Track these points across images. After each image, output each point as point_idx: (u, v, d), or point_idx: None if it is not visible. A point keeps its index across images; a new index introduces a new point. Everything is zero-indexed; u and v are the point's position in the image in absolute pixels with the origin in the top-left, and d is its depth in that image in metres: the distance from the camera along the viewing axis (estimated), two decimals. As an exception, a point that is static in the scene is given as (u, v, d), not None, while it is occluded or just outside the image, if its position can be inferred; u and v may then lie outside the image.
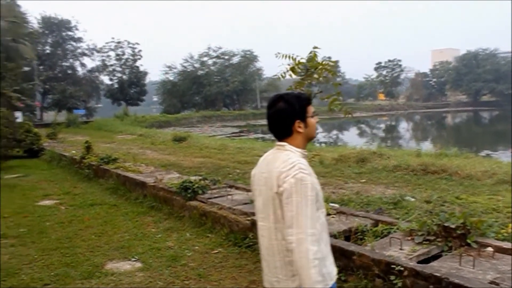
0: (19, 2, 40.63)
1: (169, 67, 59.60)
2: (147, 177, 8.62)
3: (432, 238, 4.29)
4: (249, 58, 61.04)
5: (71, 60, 53.12)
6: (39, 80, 45.23)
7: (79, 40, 51.42)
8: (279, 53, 4.13)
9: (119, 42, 53.74)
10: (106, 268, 4.93)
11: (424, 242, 4.28)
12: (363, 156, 11.45)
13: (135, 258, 5.22)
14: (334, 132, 40.26)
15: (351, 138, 31.50)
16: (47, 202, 8.49)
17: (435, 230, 4.32)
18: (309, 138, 2.22)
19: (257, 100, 61.61)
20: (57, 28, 50.12)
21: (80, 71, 53.40)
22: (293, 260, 1.97)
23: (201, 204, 6.60)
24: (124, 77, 53.95)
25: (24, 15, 43.12)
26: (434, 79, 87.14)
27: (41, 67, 49.58)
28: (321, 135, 33.36)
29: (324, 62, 4.30)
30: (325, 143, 27.61)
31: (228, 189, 7.33)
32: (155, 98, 68.11)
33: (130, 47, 54.12)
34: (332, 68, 4.27)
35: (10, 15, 37.58)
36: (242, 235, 5.58)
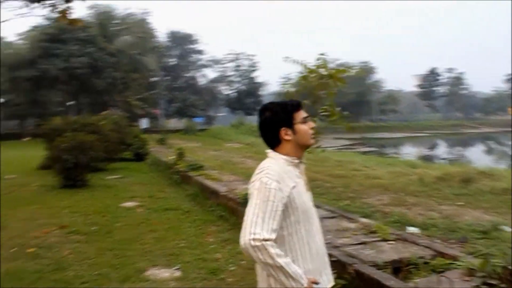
0: (149, 19, 44.08)
1: (285, 77, 60.37)
2: (223, 186, 8.60)
3: (494, 282, 3.54)
4: (366, 70, 59.61)
5: (193, 71, 56.47)
6: (162, 90, 48.66)
7: (200, 52, 54.55)
8: (287, 57, 3.80)
9: (237, 54, 55.93)
10: (145, 274, 4.90)
11: (483, 286, 3.55)
12: (469, 175, 10.27)
13: (178, 266, 5.13)
14: (458, 148, 37.39)
15: (476, 155, 28.90)
16: (129, 204, 8.86)
17: (500, 273, 3.57)
18: (302, 145, 2.13)
19: (374, 112, 59.76)
20: (181, 42, 53.65)
21: (201, 81, 56.48)
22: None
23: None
24: (242, 87, 55.91)
25: (152, 31, 46.79)
26: None
27: (167, 78, 53.46)
28: (443, 151, 31.22)
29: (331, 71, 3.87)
30: (445, 159, 25.73)
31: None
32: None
33: (247, 58, 56.04)
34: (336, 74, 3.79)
35: (139, 31, 41.17)
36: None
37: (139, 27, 42.58)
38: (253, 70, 56.45)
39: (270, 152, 2.12)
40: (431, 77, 76.85)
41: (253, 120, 52.60)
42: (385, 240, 4.71)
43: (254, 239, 1.84)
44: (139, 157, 16.90)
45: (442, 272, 3.92)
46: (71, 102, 33.13)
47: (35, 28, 33.44)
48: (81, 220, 7.38)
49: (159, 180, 12.06)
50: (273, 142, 2.12)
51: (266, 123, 2.12)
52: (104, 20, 37.89)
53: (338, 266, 4.04)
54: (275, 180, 1.94)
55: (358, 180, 10.65)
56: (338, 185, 10.39)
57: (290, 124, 2.08)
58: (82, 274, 4.86)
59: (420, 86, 77.38)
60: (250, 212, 1.92)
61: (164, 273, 4.93)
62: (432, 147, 40.29)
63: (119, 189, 10.61)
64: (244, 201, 6.88)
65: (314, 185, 10.32)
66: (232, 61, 56.30)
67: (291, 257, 1.97)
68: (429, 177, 10.55)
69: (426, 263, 4.11)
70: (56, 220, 7.37)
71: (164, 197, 9.54)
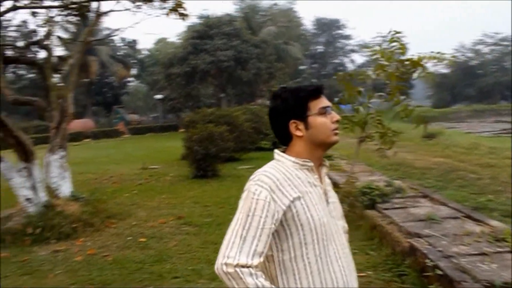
0: (295, 8, 44.36)
1: (438, 58, 55.80)
2: (344, 178, 8.00)
3: None
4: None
5: (341, 57, 55.36)
6: (309, 78, 48.64)
7: (348, 37, 53.16)
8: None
9: (384, 36, 53.22)
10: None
11: None
12: None
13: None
14: None
15: None
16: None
17: None
18: (320, 143, 1.62)
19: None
20: (328, 28, 52.93)
21: (349, 67, 55.12)
22: None
23: (376, 215, 5.68)
24: (390, 70, 53.14)
25: (298, 19, 46.94)
26: None
27: (314, 66, 53.35)
28: None
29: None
30: None
31: (418, 200, 6.10)
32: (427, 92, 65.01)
33: (396, 40, 52.98)
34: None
35: (284, 20, 41.56)
36: (400, 259, 4.50)
37: (284, 16, 43.03)
38: (403, 52, 53.19)
39: (276, 151, 1.67)
40: None
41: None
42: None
43: (226, 264, 1.41)
44: (276, 146, 16.90)
45: None
46: (222, 95, 34.83)
47: (189, 27, 36.00)
48: (198, 211, 7.47)
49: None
50: (284, 138, 1.67)
51: (274, 113, 1.67)
52: (249, 13, 39.06)
53: (443, 282, 3.31)
54: (266, 189, 1.49)
55: (510, 171, 9.12)
56: (484, 176, 9.08)
57: (302, 116, 1.60)
58: (177, 268, 4.81)
59: None
60: (230, 229, 1.49)
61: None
62: None
63: (247, 179, 10.63)
64: (361, 195, 6.27)
65: (456, 176, 9.21)
66: (379, 44, 53.76)
67: None
68: None
69: None
70: (177, 210, 7.59)
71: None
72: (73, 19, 11.97)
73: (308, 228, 1.50)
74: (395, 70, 2.58)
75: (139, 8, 10.25)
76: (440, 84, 54.23)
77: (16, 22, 37.41)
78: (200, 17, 38.63)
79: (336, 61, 55.14)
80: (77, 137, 29.29)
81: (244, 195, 1.53)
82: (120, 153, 19.20)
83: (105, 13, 10.74)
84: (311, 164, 1.59)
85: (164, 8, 7.45)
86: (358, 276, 4.35)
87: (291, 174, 1.55)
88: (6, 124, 6.00)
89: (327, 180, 1.70)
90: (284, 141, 1.67)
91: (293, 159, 1.59)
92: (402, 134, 2.50)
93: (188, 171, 11.31)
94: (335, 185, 7.70)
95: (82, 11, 9.44)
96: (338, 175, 8.37)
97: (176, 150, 16.78)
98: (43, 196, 6.58)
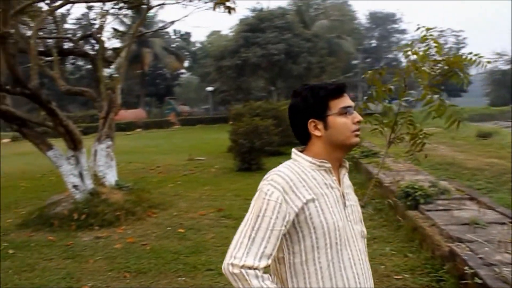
0: (349, 1, 43.62)
1: (498, 54, 53.24)
2: (389, 176, 7.79)
3: None
4: None
5: (395, 52, 53.91)
6: (362, 72, 47.66)
7: (403, 32, 51.74)
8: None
9: (441, 31, 51.35)
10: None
11: None
12: None
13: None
14: None
15: None
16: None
17: None
18: (339, 145, 1.56)
19: None
20: (382, 22, 51.69)
21: (404, 62, 53.64)
22: None
23: (418, 216, 5.48)
24: (446, 67, 51.26)
25: (352, 13, 46.11)
26: None
27: (367, 60, 52.27)
28: None
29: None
30: None
31: (464, 202, 5.83)
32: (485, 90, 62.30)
33: (453, 35, 51.04)
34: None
35: (338, 14, 40.95)
36: (439, 264, 4.32)
37: (338, 10, 42.38)
38: (460, 48, 51.10)
39: (294, 150, 1.62)
40: None
41: (460, 102, 47.78)
42: None
43: (232, 265, 1.39)
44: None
45: None
46: (272, 88, 34.81)
47: (241, 20, 36.16)
48: (239, 204, 7.50)
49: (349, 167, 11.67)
50: (303, 138, 1.61)
51: (293, 111, 1.62)
52: (302, 6, 38.70)
53: (482, 291, 3.14)
54: (279, 189, 1.44)
55: None
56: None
57: (321, 115, 1.54)
58: (212, 261, 4.85)
59: None
60: (239, 230, 1.48)
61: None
62: None
63: None
64: (403, 195, 6.08)
65: (508, 179, 8.78)
66: (435, 38, 51.90)
67: None
68: None
69: None
70: (218, 202, 7.65)
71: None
72: (127, 12, 12.31)
73: (321, 232, 1.45)
74: (429, 69, 2.44)
75: (190, 1, 10.40)
76: (499, 82, 51.78)
77: (75, 15, 38.96)
78: (253, 10, 38.76)
79: (390, 56, 53.76)
80: (129, 126, 30.23)
81: (256, 195, 1.50)
82: (169, 144, 19.61)
83: (157, 6, 10.99)
84: (329, 165, 1.53)
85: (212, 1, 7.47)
86: (395, 279, 4.26)
87: (306, 175, 1.50)
88: (56, 113, 6.25)
89: (346, 182, 1.64)
90: (303, 140, 1.61)
91: (310, 159, 1.54)
92: (433, 135, 2.36)
93: (233, 164, 11.39)
94: (380, 184, 7.51)
95: (135, 4, 9.68)
96: (383, 173, 8.14)
97: (223, 142, 16.91)
98: (89, 184, 6.81)
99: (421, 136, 2.62)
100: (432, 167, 10.08)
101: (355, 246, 1.54)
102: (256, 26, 32.09)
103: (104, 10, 9.73)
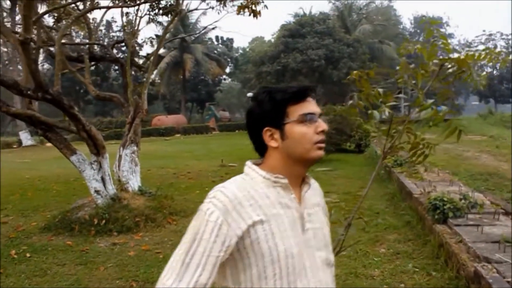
0: (395, 6, 42.74)
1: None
2: (419, 187, 7.40)
3: None
4: None
5: (441, 57, 52.45)
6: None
7: (450, 36, 50.14)
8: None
9: (490, 35, 49.48)
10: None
11: None
12: None
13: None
14: None
15: None
16: (320, 199, 8.45)
17: None
18: (298, 158, 1.34)
19: None
20: (428, 27, 50.29)
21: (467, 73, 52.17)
22: None
23: (446, 231, 5.12)
24: (495, 72, 49.29)
25: (396, 17, 45.13)
26: None
27: (411, 66, 50.97)
28: None
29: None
30: None
31: (498, 217, 5.41)
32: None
33: (502, 38, 49.01)
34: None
35: (381, 19, 40.16)
36: (464, 285, 3.98)
37: (382, 15, 41.58)
38: (511, 52, 48.99)
39: (247, 163, 1.40)
40: None
41: (506, 109, 45.70)
42: None
43: None
44: (360, 149, 16.37)
45: None
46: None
47: (282, 26, 36.05)
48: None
49: (367, 175, 11.30)
50: (258, 148, 1.40)
51: (248, 118, 1.41)
52: (344, 11, 38.21)
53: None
54: (220, 209, 1.23)
55: None
56: None
57: (278, 123, 1.32)
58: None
59: None
60: (174, 253, 1.26)
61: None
62: None
63: (320, 182, 9.79)
64: (431, 208, 5.72)
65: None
66: (483, 43, 50.00)
67: None
68: None
69: None
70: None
71: (361, 195, 8.80)
72: (162, 17, 12.36)
73: (269, 260, 1.24)
74: (430, 70, 2.17)
75: (224, 6, 10.34)
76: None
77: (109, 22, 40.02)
78: (294, 16, 38.62)
79: (436, 61, 52.26)
80: (169, 132, 30.64)
81: (196, 214, 1.29)
82: (204, 149, 19.68)
83: (189, 11, 11.00)
84: (285, 181, 1.31)
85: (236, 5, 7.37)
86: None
87: (257, 192, 1.29)
88: (79, 118, 6.28)
89: (311, 201, 1.41)
90: (261, 151, 1.40)
91: (264, 173, 1.32)
92: (437, 145, 2.08)
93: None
94: (410, 194, 7.15)
95: (168, 9, 9.73)
96: (414, 183, 7.75)
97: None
98: (111, 189, 6.82)
99: (422, 147, 2.35)
100: (471, 178, 9.57)
101: (315, 277, 1.31)
102: (297, 31, 31.93)
103: (138, 16, 9.83)
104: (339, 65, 30.47)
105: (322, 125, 1.34)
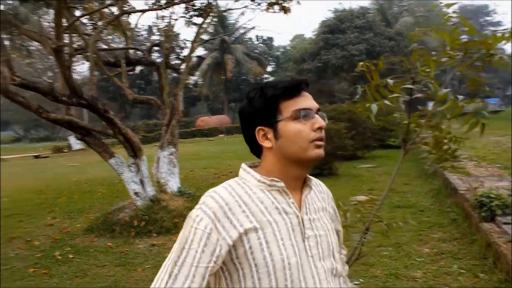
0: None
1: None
2: (465, 183, 7.07)
3: None
4: None
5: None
6: (445, 70, 45.06)
7: (498, 24, 48.14)
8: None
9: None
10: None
11: None
12: None
13: (360, 280, 4.32)
14: None
15: None
16: (362, 197, 8.21)
17: None
18: (294, 158, 1.23)
19: None
20: (474, 15, 48.42)
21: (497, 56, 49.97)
22: None
23: (494, 229, 4.84)
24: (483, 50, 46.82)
25: (440, 7, 43.62)
26: None
27: (457, 56, 49.29)
28: None
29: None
30: None
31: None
32: None
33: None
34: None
35: (424, 10, 38.92)
36: (514, 288, 3.73)
37: (423, 6, 40.33)
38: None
39: (243, 166, 1.31)
40: None
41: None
42: None
43: None
44: (405, 143, 15.88)
45: None
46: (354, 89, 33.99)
47: (321, 22, 35.67)
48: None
49: (410, 171, 10.94)
50: (253, 149, 1.32)
51: (241, 117, 1.31)
52: (385, 4, 37.35)
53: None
54: (209, 216, 1.13)
55: None
56: None
57: (270, 121, 1.22)
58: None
59: None
60: (164, 263, 1.17)
61: None
62: None
63: (363, 179, 10.07)
64: (477, 205, 5.43)
65: None
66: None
67: None
68: None
69: None
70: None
71: (404, 191, 8.52)
72: (198, 20, 12.44)
73: (264, 271, 1.13)
74: (450, 56, 1.96)
75: (258, 5, 10.27)
76: None
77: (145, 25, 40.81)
78: (334, 11, 38.09)
79: (483, 50, 50.25)
80: (212, 132, 30.92)
81: (185, 221, 1.19)
82: (246, 149, 19.38)
83: (223, 11, 10.99)
84: (282, 184, 1.20)
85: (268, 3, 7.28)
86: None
87: (251, 197, 1.18)
88: (114, 122, 6.38)
89: (314, 205, 1.29)
90: (257, 153, 1.30)
91: (258, 176, 1.22)
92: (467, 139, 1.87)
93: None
94: (456, 191, 6.84)
95: (202, 11, 9.75)
96: (460, 179, 7.42)
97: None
98: (150, 191, 6.89)
99: (448, 141, 2.17)
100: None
101: None
102: (336, 27, 31.48)
103: (173, 18, 9.92)
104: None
105: (319, 121, 1.22)
